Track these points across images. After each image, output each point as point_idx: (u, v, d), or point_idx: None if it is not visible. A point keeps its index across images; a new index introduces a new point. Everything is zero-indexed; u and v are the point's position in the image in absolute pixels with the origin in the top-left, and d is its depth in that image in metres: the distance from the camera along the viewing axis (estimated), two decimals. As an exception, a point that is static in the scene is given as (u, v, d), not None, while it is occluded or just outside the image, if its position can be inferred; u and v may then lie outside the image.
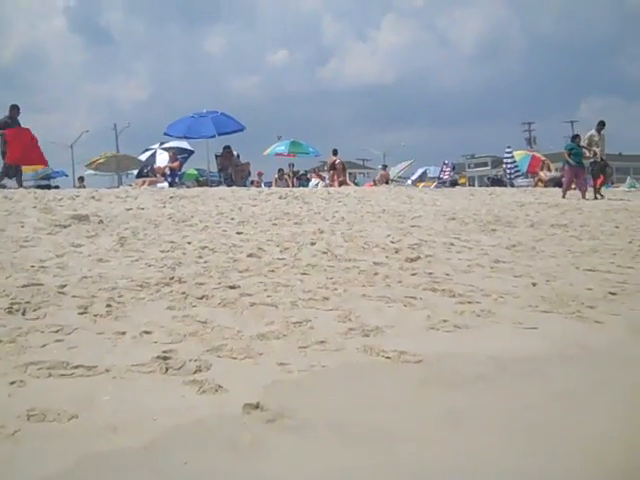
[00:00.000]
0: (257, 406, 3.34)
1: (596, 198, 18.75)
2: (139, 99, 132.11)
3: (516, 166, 32.25)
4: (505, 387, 3.88)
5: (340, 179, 24.85)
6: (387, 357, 4.28)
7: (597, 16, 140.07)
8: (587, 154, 19.61)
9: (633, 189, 25.47)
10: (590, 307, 5.81)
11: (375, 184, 28.06)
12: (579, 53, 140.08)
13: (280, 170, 28.29)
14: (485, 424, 3.35)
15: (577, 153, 19.34)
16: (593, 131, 19.88)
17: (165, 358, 3.99)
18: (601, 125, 20.07)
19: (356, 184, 27.62)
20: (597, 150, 19.54)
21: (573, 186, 19.63)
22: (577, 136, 20.42)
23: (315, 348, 4.41)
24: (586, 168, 19.81)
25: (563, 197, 18.63)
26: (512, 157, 32.71)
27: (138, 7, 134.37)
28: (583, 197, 18.58)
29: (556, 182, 26.62)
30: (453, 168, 34.10)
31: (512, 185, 29.59)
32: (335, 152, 26.94)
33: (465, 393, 3.77)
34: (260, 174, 30.39)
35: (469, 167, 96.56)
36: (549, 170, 31.11)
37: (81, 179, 31.59)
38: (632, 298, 6.25)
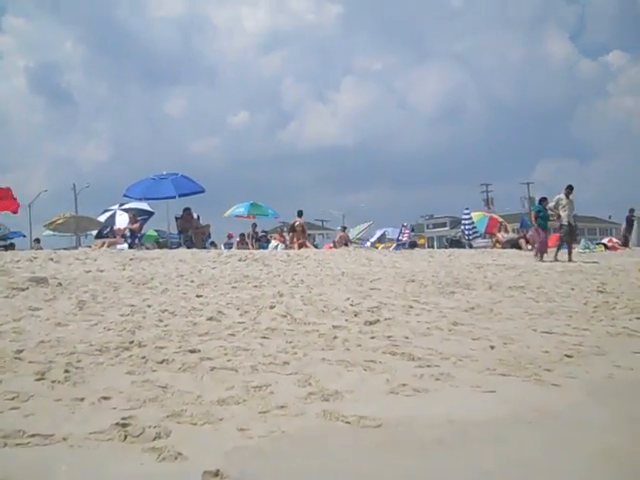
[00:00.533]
0: (217, 473, 3.31)
1: (570, 261, 18.88)
2: (99, 159, 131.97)
3: (474, 227, 32.67)
4: (464, 452, 3.91)
5: (300, 241, 24.93)
6: (347, 422, 4.28)
7: (550, 82, 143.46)
8: (553, 217, 19.90)
9: (587, 250, 25.87)
10: (547, 370, 5.87)
11: (335, 246, 28.18)
12: (534, 117, 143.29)
13: (242, 235, 28.32)
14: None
15: (544, 216, 19.66)
16: (561, 195, 20.15)
17: (124, 425, 3.95)
18: (569, 189, 20.38)
19: (315, 246, 27.73)
20: (563, 214, 19.75)
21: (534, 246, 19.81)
22: (545, 199, 20.68)
23: (275, 413, 4.41)
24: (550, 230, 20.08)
25: (541, 260, 18.83)
26: (470, 218, 33.15)
27: (99, 68, 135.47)
28: (541, 259, 18.85)
29: (513, 243, 27.00)
30: (412, 230, 34.44)
31: (470, 246, 29.95)
32: (300, 213, 27.11)
33: (424, 458, 3.79)
34: (230, 236, 30.36)
35: (428, 228, 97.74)
36: (506, 231, 31.51)
37: (37, 240, 31.31)
38: (588, 360, 6.34)
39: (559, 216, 19.83)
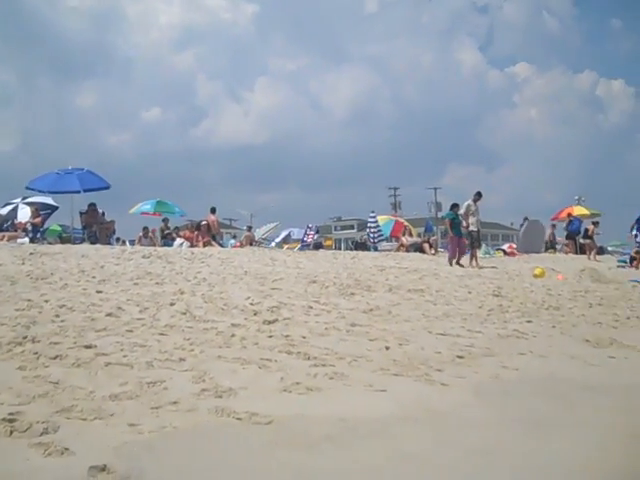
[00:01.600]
0: (104, 468, 3.32)
1: (473, 267, 19.07)
2: (2, 149, 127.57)
3: (380, 230, 32.99)
4: (352, 448, 4.01)
5: (205, 239, 24.80)
6: (238, 418, 4.34)
7: (460, 90, 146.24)
8: (464, 224, 20.01)
9: (487, 256, 26.49)
10: (438, 370, 6.06)
11: (241, 245, 28.13)
12: (444, 123, 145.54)
13: (145, 228, 27.88)
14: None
15: (459, 223, 19.86)
16: (470, 201, 20.15)
17: (11, 420, 3.90)
18: (478, 195, 20.53)
19: (221, 245, 27.59)
20: (472, 220, 19.90)
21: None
22: (456, 205, 20.71)
23: (168, 409, 4.43)
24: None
25: (450, 265, 19.01)
26: (376, 221, 33.47)
27: (6, 58, 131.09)
28: (458, 263, 19.09)
29: (417, 247, 27.46)
30: (317, 231, 34.56)
31: (376, 249, 30.26)
32: (213, 210, 27.04)
33: (313, 454, 3.87)
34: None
35: (335, 230, 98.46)
36: (411, 235, 31.97)
37: None
38: (477, 361, 6.57)
39: (468, 225, 19.89)
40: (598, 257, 26.37)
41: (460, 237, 19.93)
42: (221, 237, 31.17)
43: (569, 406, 5.26)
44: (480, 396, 5.39)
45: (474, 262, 19.57)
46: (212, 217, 26.75)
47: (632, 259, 24.76)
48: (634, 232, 25.88)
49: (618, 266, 23.63)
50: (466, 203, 20.24)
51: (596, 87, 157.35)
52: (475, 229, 20.11)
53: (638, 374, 6.60)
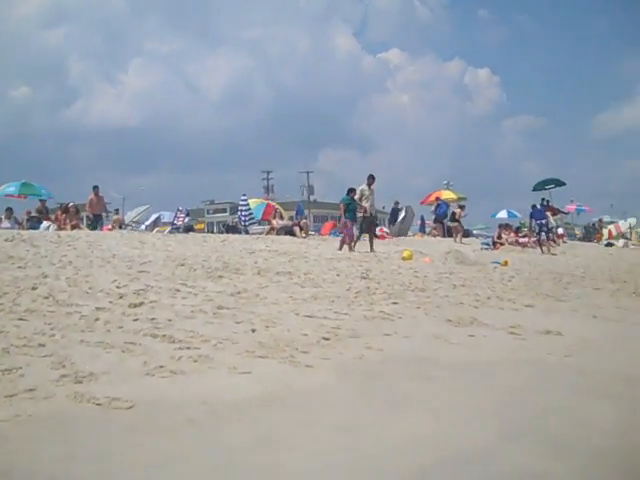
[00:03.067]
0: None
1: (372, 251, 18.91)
2: None
3: (251, 213, 32.94)
4: (213, 431, 4.01)
5: (73, 223, 24.15)
6: (98, 404, 4.26)
7: (335, 75, 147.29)
8: (359, 208, 19.71)
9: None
10: (304, 352, 6.12)
11: (112, 228, 27.57)
12: (319, 107, 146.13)
13: (8, 209, 26.85)
14: (191, 468, 3.45)
15: (354, 208, 19.60)
16: (364, 185, 19.89)
17: None
18: (371, 179, 20.20)
19: (95, 227, 26.93)
20: (366, 204, 19.67)
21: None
22: (353, 190, 20.14)
23: (23, 396, 4.29)
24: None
25: (351, 250, 18.63)
26: (247, 204, 33.43)
27: None
28: (351, 249, 18.86)
29: (287, 230, 27.56)
30: (187, 214, 34.24)
31: (247, 232, 30.21)
32: (95, 188, 26.65)
33: (173, 438, 3.85)
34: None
35: (208, 213, 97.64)
36: (281, 218, 32.06)
37: None
38: (343, 343, 6.67)
39: (365, 210, 19.52)
40: (464, 240, 27.19)
41: (353, 222, 19.79)
42: (107, 215, 30.21)
43: (428, 384, 5.43)
44: (344, 377, 5.48)
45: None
46: (92, 196, 26.22)
47: (494, 242, 25.77)
48: (535, 223, 26.54)
49: (482, 248, 24.53)
50: (360, 188, 19.91)
51: (464, 75, 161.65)
52: (368, 214, 19.95)
53: (495, 351, 6.89)
